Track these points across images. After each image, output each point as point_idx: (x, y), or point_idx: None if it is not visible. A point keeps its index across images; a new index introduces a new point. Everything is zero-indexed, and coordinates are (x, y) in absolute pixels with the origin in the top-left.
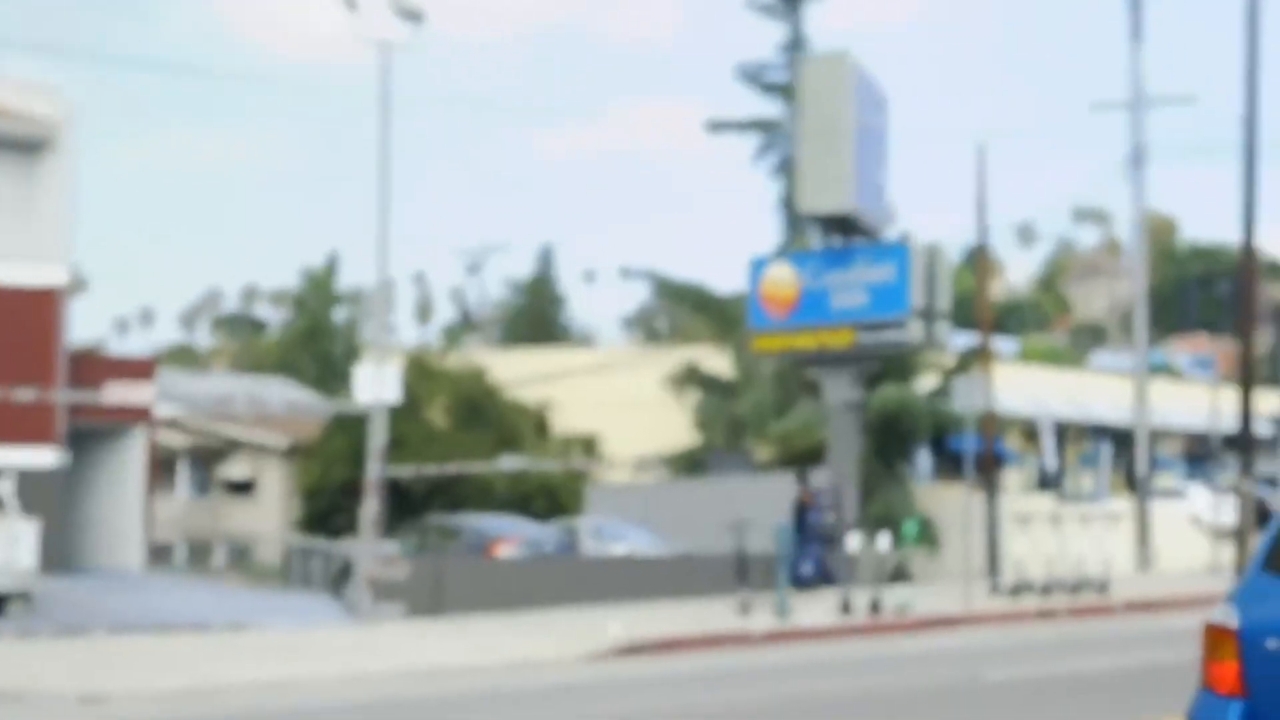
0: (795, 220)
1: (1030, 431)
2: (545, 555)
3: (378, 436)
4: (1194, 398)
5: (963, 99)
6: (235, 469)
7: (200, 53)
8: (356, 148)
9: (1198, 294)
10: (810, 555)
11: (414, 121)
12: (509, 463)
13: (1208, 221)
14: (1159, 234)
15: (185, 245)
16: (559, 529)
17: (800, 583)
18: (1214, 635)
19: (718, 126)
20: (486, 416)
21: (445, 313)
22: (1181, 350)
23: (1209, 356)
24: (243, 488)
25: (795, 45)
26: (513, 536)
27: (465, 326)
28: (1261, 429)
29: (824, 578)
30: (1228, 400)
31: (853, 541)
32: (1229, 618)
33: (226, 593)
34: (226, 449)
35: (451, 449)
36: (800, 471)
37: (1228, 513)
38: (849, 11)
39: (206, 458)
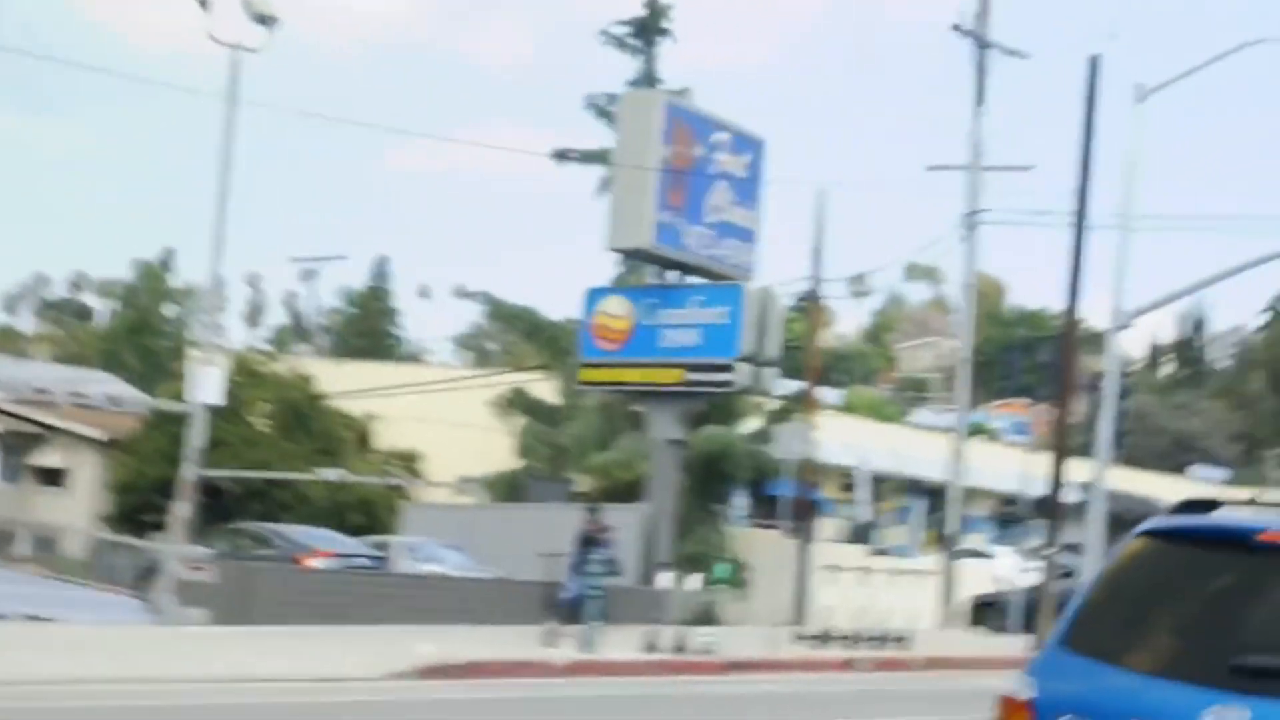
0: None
1: (848, 482)
2: (357, 570)
3: (197, 436)
4: (1009, 461)
5: (815, 146)
6: (48, 458)
7: (47, 37)
8: (203, 146)
9: (1020, 359)
10: (577, 588)
11: (264, 125)
12: (328, 473)
13: (1035, 287)
14: (987, 296)
15: (12, 229)
16: (374, 545)
17: (564, 607)
18: (1008, 706)
19: (563, 156)
20: (309, 425)
21: (277, 318)
22: (1001, 413)
23: (1026, 421)
24: (55, 478)
25: (646, 80)
26: (326, 548)
27: (295, 334)
28: (1071, 496)
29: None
30: (1041, 466)
31: (664, 578)
32: (1024, 690)
33: (26, 582)
34: (41, 437)
35: (271, 455)
36: (592, 503)
37: (1032, 578)
38: (721, 51)
39: (20, 445)
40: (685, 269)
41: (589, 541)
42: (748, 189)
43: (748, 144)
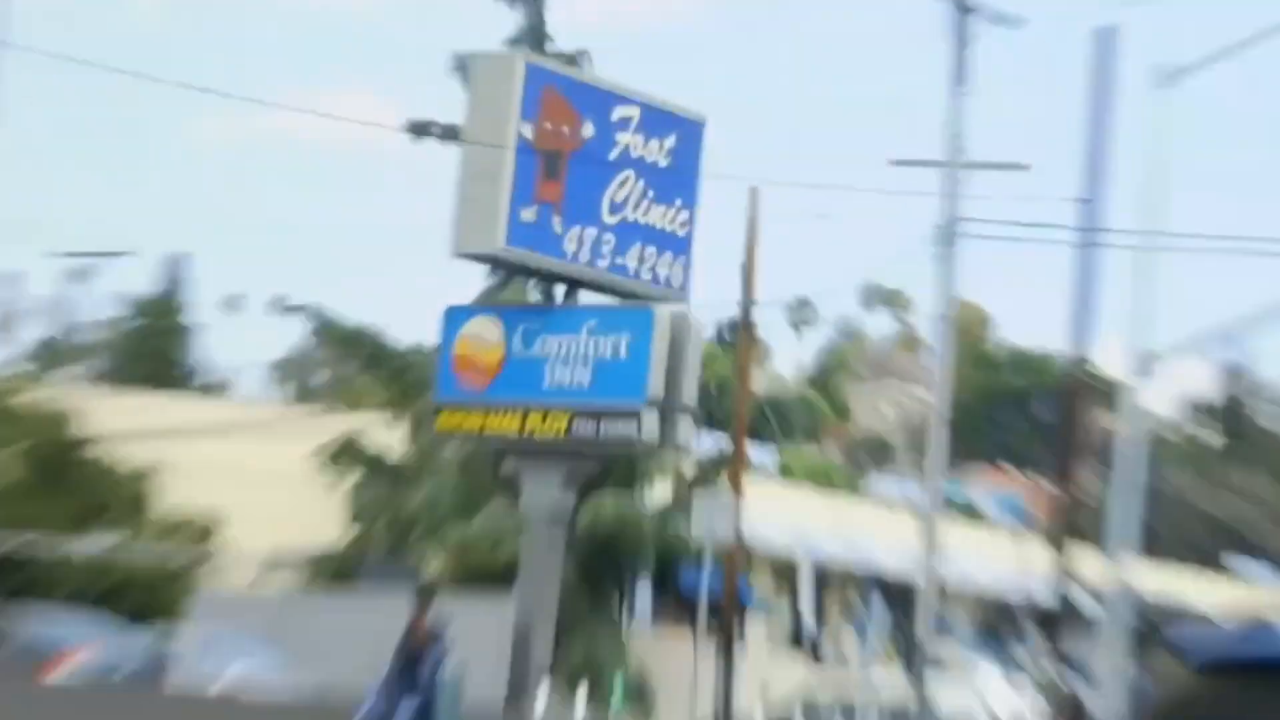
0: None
1: (785, 571)
2: (121, 681)
3: None
4: (995, 548)
5: (740, 130)
6: None
7: None
8: None
9: (1011, 414)
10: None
11: (25, 75)
12: (95, 542)
13: (1030, 320)
14: (969, 330)
15: None
16: (152, 638)
17: None
18: None
19: (420, 130)
20: (70, 477)
21: (35, 331)
22: (984, 483)
23: (1017, 496)
24: None
25: (532, 38)
26: (82, 646)
27: (59, 353)
28: (1078, 600)
29: None
30: (1037, 555)
31: (541, 699)
32: None
33: None
34: None
35: (19, 515)
36: (424, 591)
37: (1025, 704)
38: (640, 9)
39: None
40: (575, 284)
41: (413, 647)
42: (672, 181)
43: (671, 123)
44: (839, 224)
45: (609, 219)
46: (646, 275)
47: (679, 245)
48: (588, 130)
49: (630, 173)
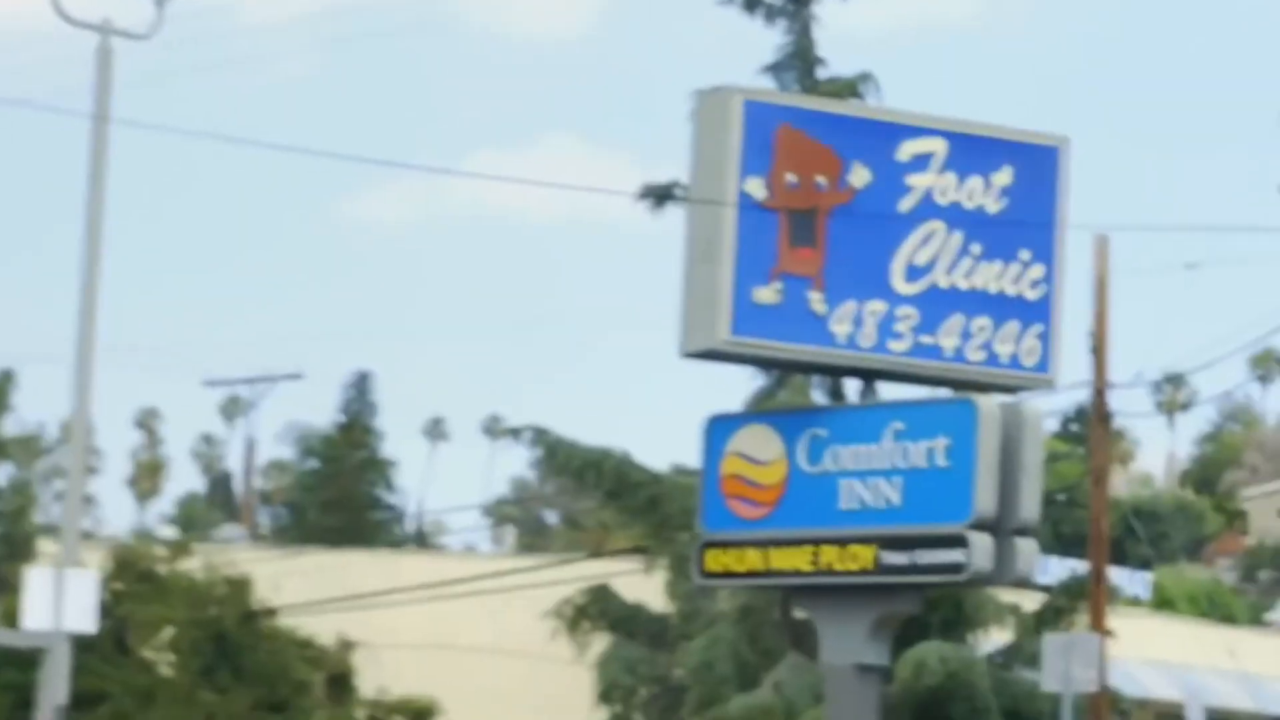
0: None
1: None
2: None
3: (55, 690)
4: None
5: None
6: None
7: None
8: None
9: None
10: None
11: (141, 154)
12: None
13: None
14: None
15: None
16: None
17: None
18: None
19: (661, 195)
20: (244, 661)
21: (184, 482)
22: None
23: None
24: None
25: (800, 66)
26: None
27: (216, 507)
28: None
29: None
30: None
31: None
32: None
33: None
34: None
35: (182, 714)
36: None
37: None
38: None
39: None
40: (869, 376)
41: None
42: (1011, 229)
43: (1000, 152)
44: (1216, 275)
45: (905, 288)
46: (977, 356)
47: (1030, 312)
48: (860, 177)
49: (939, 224)
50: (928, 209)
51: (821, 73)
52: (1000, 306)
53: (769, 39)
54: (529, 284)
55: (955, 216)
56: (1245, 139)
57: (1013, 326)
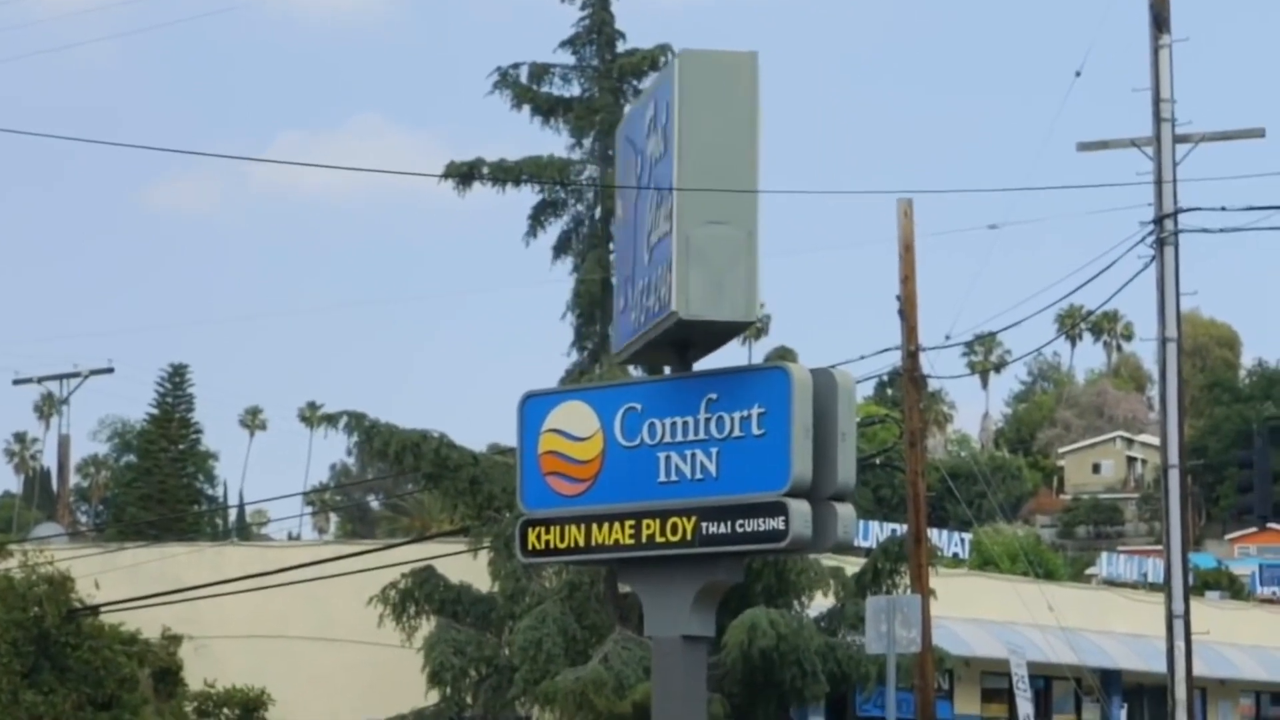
0: (586, 331)
1: (995, 686)
2: None
3: None
4: (1265, 628)
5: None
6: None
7: None
8: None
9: (1271, 449)
10: None
11: None
12: None
13: None
14: (1207, 352)
15: None
16: None
17: None
18: None
19: (467, 175)
20: (69, 660)
21: None
22: (1245, 548)
23: None
24: None
25: (600, 40)
26: None
27: (32, 505)
28: None
29: None
30: None
31: None
32: None
33: None
34: None
35: (8, 717)
36: None
37: None
38: None
39: None
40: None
41: None
42: None
43: None
44: (1019, 234)
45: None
46: None
47: None
48: None
49: None
50: None
51: (622, 47)
52: None
53: (567, 14)
54: (339, 267)
55: None
56: (1042, 97)
57: None
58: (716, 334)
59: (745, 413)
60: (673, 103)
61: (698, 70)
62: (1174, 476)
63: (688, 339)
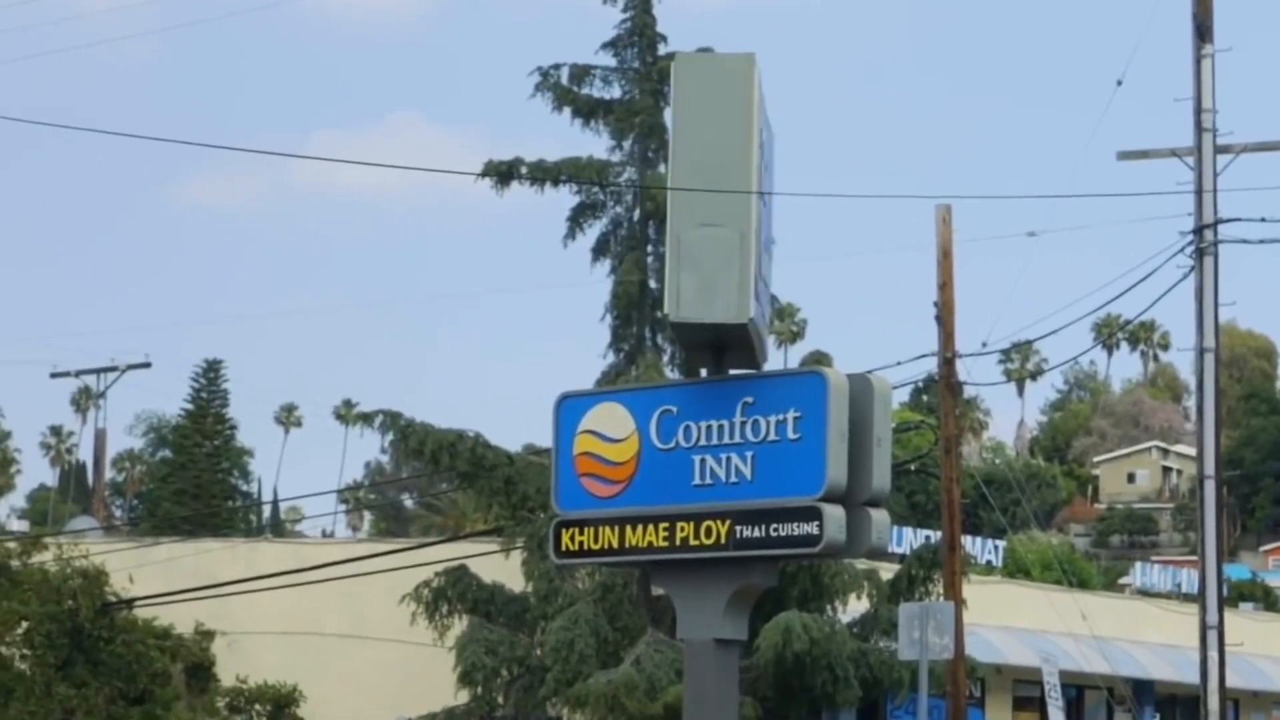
0: (623, 333)
1: (1026, 695)
2: None
3: None
4: None
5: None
6: None
7: None
8: None
9: None
10: None
11: None
12: None
13: None
14: (1245, 363)
15: None
16: None
17: None
18: None
19: (505, 174)
20: (102, 654)
21: (34, 475)
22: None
23: None
24: None
25: (642, 44)
26: None
27: (66, 499)
28: None
29: None
30: None
31: None
32: None
33: None
34: None
35: (38, 708)
36: None
37: None
38: None
39: None
40: (747, 358)
41: None
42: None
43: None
44: (1057, 241)
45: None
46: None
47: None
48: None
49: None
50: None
51: (662, 49)
52: None
53: (607, 15)
54: (377, 265)
55: None
56: (1082, 105)
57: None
58: (742, 337)
59: (781, 416)
60: (670, 105)
61: (693, 73)
62: (1210, 487)
63: (722, 342)
